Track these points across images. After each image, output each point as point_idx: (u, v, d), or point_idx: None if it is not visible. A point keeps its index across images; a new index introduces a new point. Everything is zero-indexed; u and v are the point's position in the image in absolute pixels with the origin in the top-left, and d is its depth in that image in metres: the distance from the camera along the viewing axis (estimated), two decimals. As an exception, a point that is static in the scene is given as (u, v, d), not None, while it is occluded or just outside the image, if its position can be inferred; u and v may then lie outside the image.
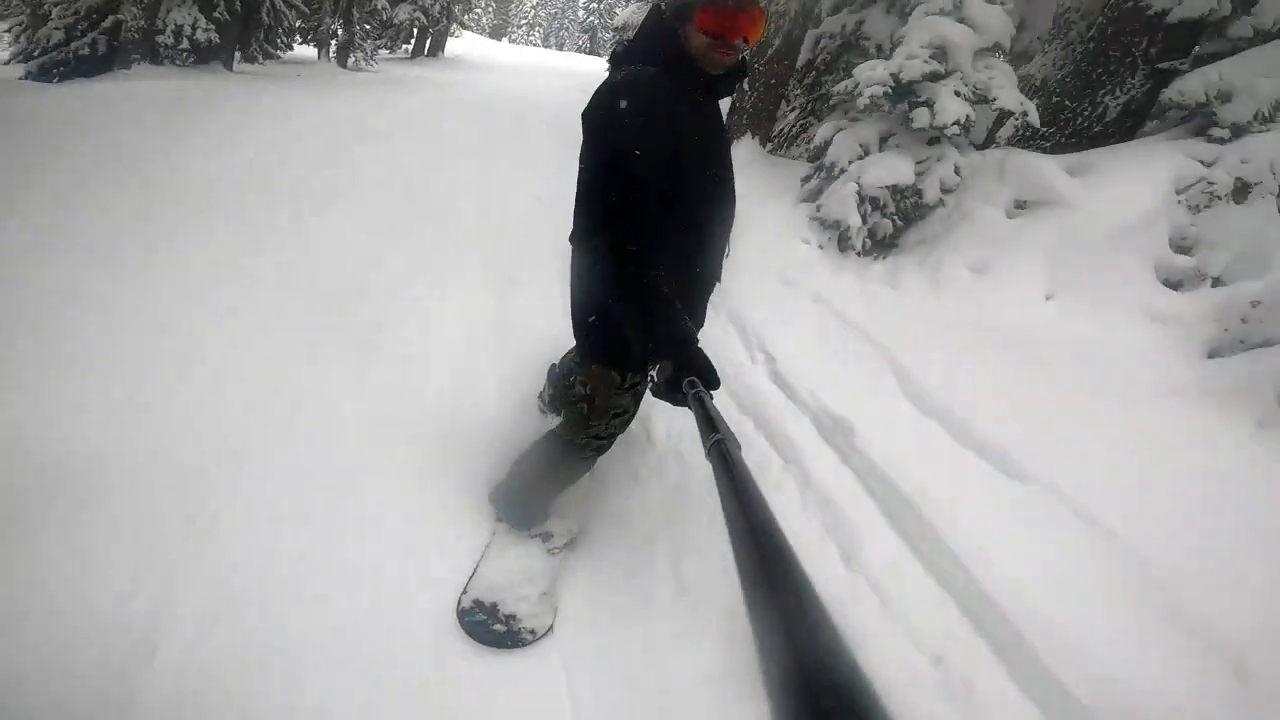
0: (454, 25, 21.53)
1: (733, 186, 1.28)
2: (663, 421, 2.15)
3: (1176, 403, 2.23)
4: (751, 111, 6.47)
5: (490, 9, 37.38)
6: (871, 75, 3.30)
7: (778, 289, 3.18)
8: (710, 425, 0.68)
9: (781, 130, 7.04)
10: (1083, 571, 1.56)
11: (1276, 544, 1.65)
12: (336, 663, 1.36)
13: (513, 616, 1.49)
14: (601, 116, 1.11)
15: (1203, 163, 2.94)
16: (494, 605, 1.50)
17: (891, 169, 3.45)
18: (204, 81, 9.16)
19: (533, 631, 1.49)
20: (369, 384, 2.25)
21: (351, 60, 16.15)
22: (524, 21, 40.98)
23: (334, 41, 16.70)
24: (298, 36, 15.53)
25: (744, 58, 1.18)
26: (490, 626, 1.47)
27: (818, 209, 3.67)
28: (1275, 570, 1.58)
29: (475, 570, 1.60)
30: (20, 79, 9.43)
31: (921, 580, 1.59)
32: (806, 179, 4.17)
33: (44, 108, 5.64)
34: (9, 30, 13.29)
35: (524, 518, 1.68)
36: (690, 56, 1.13)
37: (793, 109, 7.10)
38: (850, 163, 3.68)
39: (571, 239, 1.21)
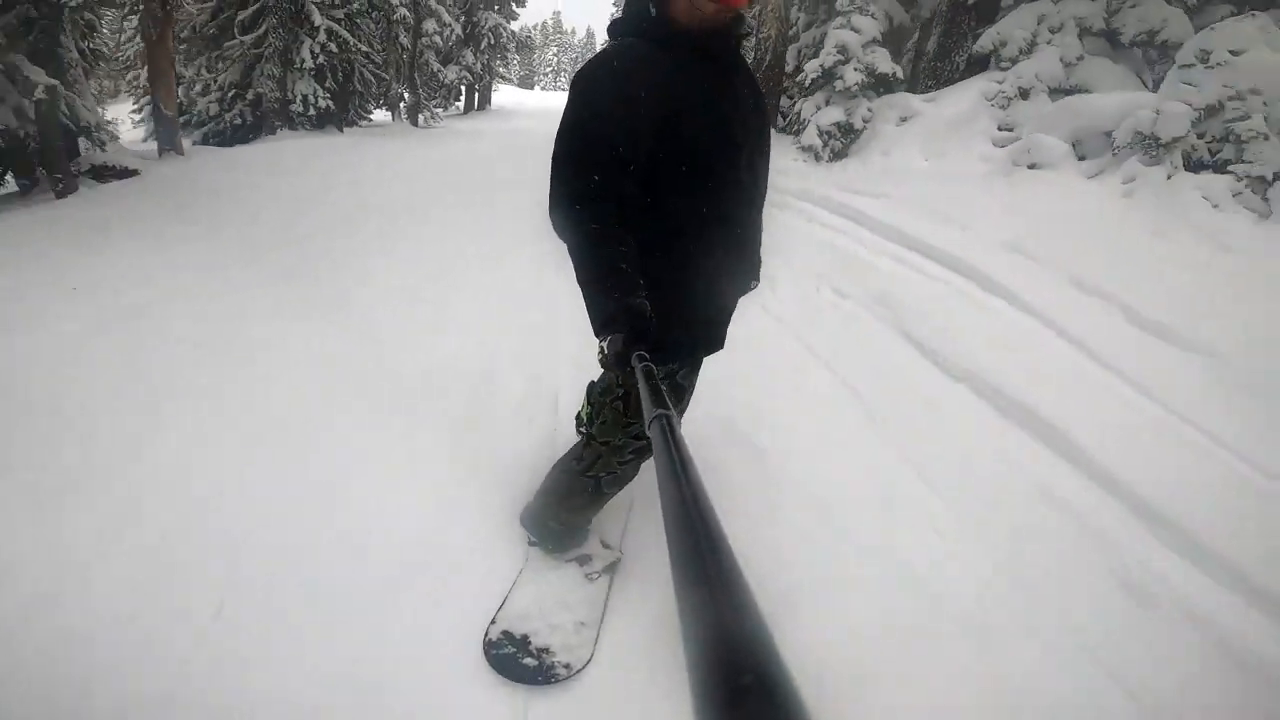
0: (494, 80, 25.47)
1: (739, 151, 1.24)
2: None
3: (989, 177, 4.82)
4: (756, 104, 9.33)
5: (515, 61, 41.67)
6: (811, 66, 6.12)
7: (776, 178, 5.95)
8: (656, 399, 0.72)
9: (790, 118, 9.90)
10: (943, 220, 4.18)
11: (1004, 194, 4.20)
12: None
13: (545, 649, 1.43)
14: (578, 89, 1.16)
15: (997, 82, 5.58)
16: (525, 637, 1.46)
17: (833, 115, 6.20)
18: (334, 139, 12.71)
19: (568, 666, 1.42)
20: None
21: (421, 119, 19.80)
22: (548, 69, 45.95)
23: (402, 104, 20.43)
24: (370, 103, 19.32)
25: (741, 15, 1.20)
26: (520, 660, 1.42)
27: (798, 140, 6.43)
28: (1000, 201, 4.14)
29: (505, 598, 1.57)
30: (195, 144, 13.03)
31: (870, 234, 4.25)
32: (793, 132, 6.95)
33: (251, 157, 8.97)
34: (137, 110, 17.36)
35: (559, 540, 1.65)
36: (679, 25, 1.16)
37: (794, 103, 9.97)
38: (812, 115, 6.44)
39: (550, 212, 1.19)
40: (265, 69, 14.10)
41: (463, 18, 22.56)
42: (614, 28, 1.25)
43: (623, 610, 1.57)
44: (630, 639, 1.50)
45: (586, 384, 1.82)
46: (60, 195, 7.27)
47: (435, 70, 21.31)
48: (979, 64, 6.17)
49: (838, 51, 5.97)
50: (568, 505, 1.59)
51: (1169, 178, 3.78)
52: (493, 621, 1.50)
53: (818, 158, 6.32)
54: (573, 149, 1.13)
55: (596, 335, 1.05)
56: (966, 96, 5.62)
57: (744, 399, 2.39)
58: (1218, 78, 3.73)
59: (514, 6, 23.97)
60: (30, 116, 7.07)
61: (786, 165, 6.33)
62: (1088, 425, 2.16)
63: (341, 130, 15.19)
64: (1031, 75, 5.46)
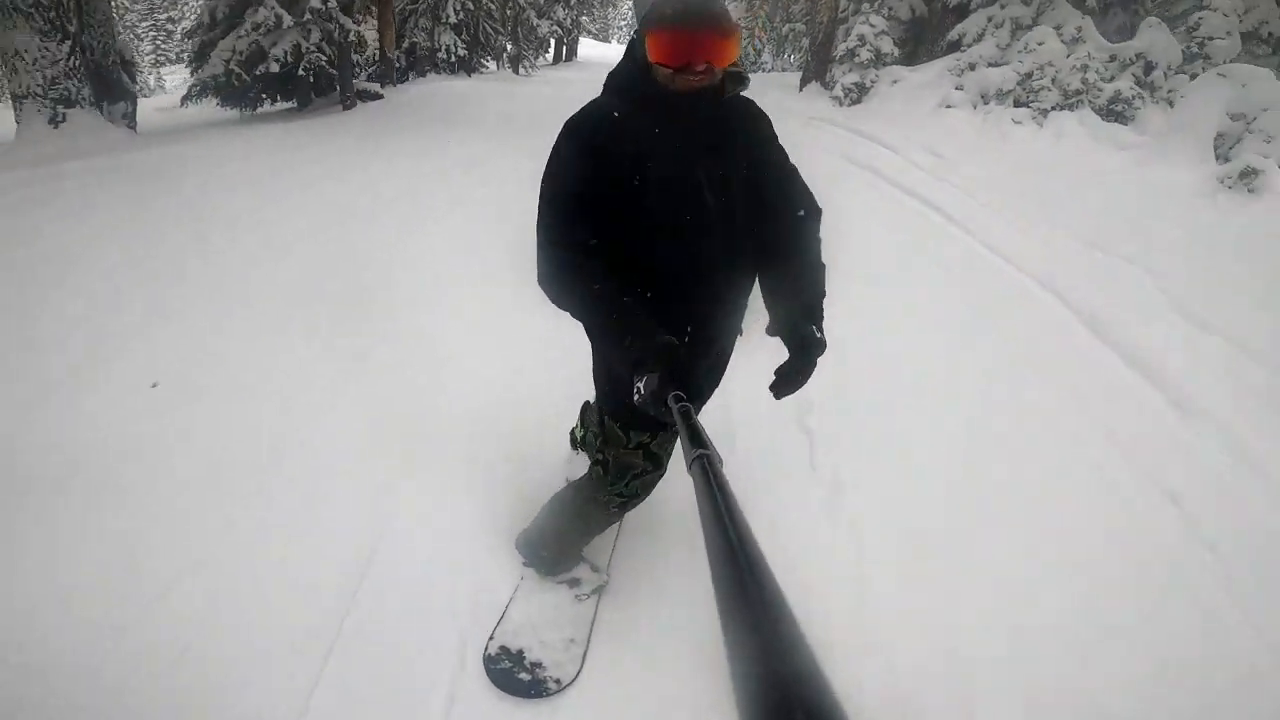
0: (579, 33, 29.84)
1: (707, 210, 1.33)
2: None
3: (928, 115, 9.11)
4: (813, 70, 13.56)
5: (594, 16, 45.88)
6: (840, 48, 10.48)
7: (817, 118, 10.27)
8: (695, 440, 0.77)
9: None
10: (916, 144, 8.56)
11: (929, 121, 8.49)
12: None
13: (538, 664, 1.64)
14: (556, 149, 1.30)
15: (956, 59, 9.79)
16: (520, 652, 1.67)
17: (852, 78, 10.58)
18: (469, 81, 17.30)
19: (557, 681, 1.62)
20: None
21: (520, 69, 24.31)
22: (623, 23, 50.12)
23: (505, 55, 24.92)
24: (489, 52, 23.88)
25: (737, 73, 1.32)
26: (515, 674, 1.62)
27: (831, 92, 10.77)
28: (925, 124, 8.44)
29: (502, 615, 1.79)
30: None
31: (857, 136, 8.67)
32: (829, 88, 11.23)
33: (423, 92, 13.63)
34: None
35: (550, 565, 1.87)
36: (653, 79, 1.27)
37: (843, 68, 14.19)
38: (840, 78, 10.76)
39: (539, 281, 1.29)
40: (419, 23, 18.89)
41: (555, -24, 26.94)
42: (608, 81, 1.39)
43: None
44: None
45: (582, 404, 2.18)
46: (346, 108, 12.09)
47: (534, 24, 25.83)
48: (953, 48, 10.32)
49: (857, 39, 10.28)
50: (559, 537, 1.82)
51: (1005, 109, 8.02)
52: (490, 637, 1.73)
53: (841, 104, 10.68)
54: (555, 212, 1.28)
55: (629, 378, 1.11)
56: (935, 69, 9.85)
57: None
58: (1031, 58, 7.94)
59: (601, -33, 28.24)
60: (329, 54, 11.83)
61: (823, 109, 10.72)
62: (909, 180, 6.56)
63: (469, 75, 19.91)
64: (976, 55, 9.64)
